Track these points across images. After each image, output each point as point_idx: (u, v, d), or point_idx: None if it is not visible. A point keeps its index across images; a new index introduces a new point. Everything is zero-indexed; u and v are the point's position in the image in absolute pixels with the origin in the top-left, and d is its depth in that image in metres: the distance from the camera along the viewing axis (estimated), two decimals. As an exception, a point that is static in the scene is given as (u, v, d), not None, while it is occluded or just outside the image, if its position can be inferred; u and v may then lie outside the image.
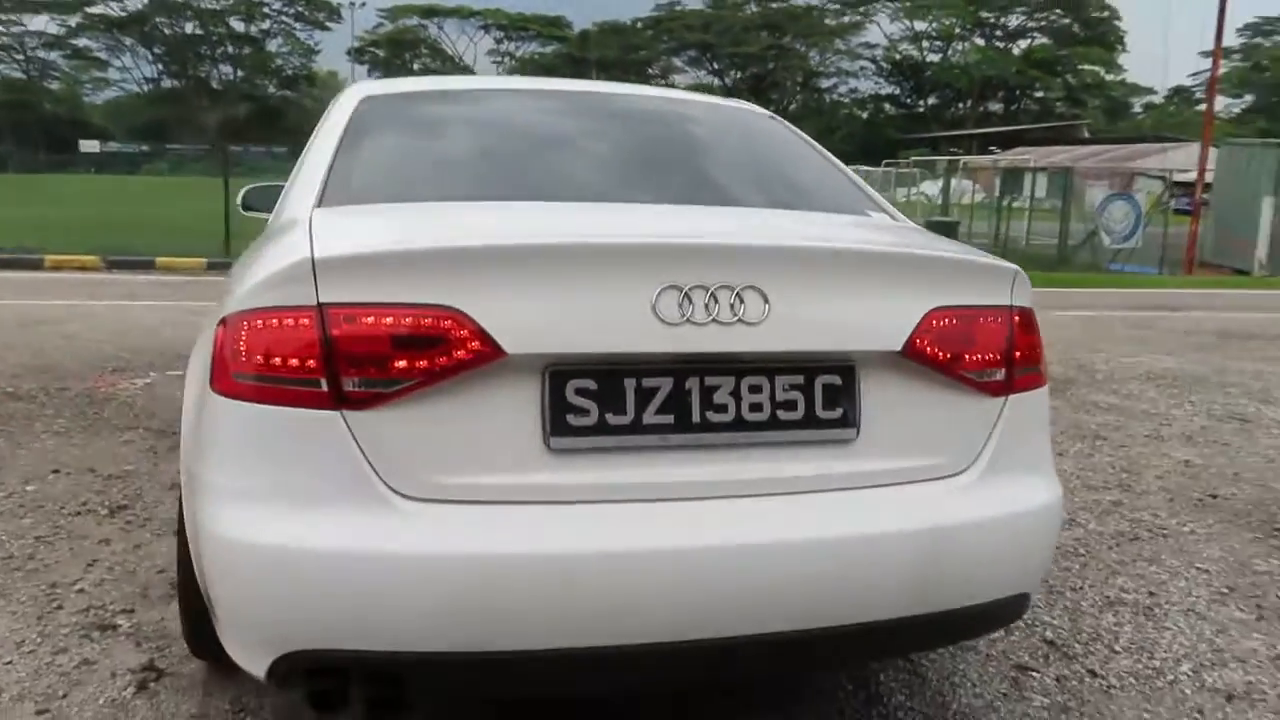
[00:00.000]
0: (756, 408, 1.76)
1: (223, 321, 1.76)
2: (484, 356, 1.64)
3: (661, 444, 1.72)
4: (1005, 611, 1.98)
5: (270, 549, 1.64)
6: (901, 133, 58.75)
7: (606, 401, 1.70)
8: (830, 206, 2.43)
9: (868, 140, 57.48)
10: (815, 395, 1.79)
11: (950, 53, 66.08)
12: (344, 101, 2.66)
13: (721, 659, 1.74)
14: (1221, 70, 73.02)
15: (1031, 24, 66.65)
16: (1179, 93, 74.39)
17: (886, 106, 67.30)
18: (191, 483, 1.84)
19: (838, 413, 1.80)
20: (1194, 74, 78.37)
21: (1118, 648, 2.71)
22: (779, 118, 3.03)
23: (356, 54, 67.60)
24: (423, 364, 1.64)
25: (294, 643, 1.66)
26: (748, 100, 3.39)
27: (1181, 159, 37.29)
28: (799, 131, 2.91)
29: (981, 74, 62.13)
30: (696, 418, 1.73)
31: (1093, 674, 2.56)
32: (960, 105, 66.61)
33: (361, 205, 2.08)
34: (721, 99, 3.15)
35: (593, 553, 1.64)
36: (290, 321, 1.66)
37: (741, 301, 1.71)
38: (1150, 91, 73.53)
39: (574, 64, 62.14)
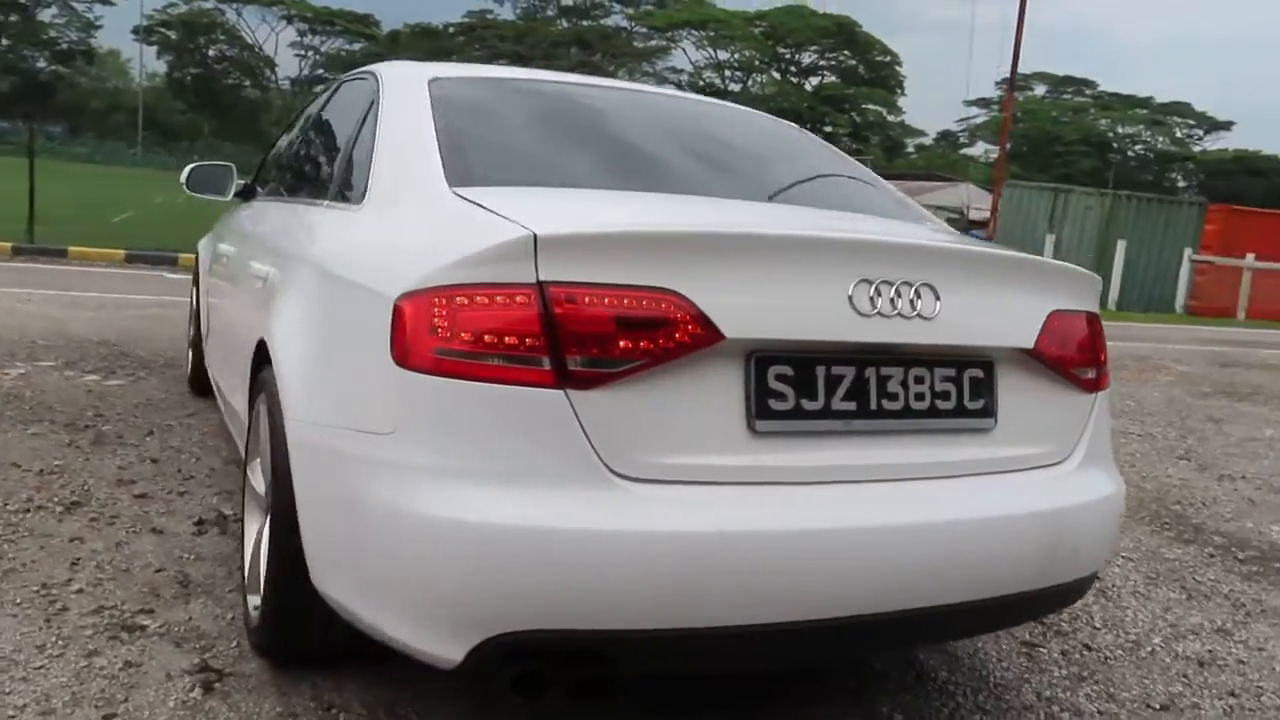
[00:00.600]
0: (920, 397, 1.91)
1: (408, 296, 1.72)
2: (703, 340, 1.70)
3: (846, 429, 1.83)
4: (1083, 587, 2.21)
5: (485, 528, 1.63)
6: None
7: (801, 387, 1.80)
8: (898, 214, 2.61)
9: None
10: (964, 387, 1.96)
11: (750, 83, 69.10)
12: (404, 80, 2.60)
13: (899, 631, 1.87)
14: (981, 120, 78.76)
15: (823, 63, 70.76)
16: (945, 136, 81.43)
17: (689, 131, 69.60)
18: (359, 461, 1.78)
19: (980, 403, 1.98)
20: (959, 120, 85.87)
21: (1097, 624, 3.04)
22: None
23: (145, 33, 62.83)
24: (647, 345, 1.67)
25: (504, 624, 1.65)
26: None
27: (953, 197, 40.85)
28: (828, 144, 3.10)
29: (778, 105, 65.32)
30: (874, 405, 1.86)
31: (1088, 648, 2.86)
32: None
33: (508, 187, 2.06)
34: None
35: (796, 531, 1.73)
36: (507, 299, 1.65)
37: (919, 297, 1.85)
38: (922, 134, 79.99)
39: (381, 64, 60.44)
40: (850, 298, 1.80)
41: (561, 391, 1.65)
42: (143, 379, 5.14)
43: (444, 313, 1.68)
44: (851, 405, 1.84)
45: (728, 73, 69.27)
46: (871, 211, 2.59)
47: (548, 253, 1.65)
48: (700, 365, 1.72)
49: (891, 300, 1.83)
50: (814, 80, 70.54)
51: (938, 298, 1.87)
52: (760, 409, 1.76)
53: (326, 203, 2.52)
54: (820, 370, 1.82)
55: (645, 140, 2.63)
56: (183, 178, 4.04)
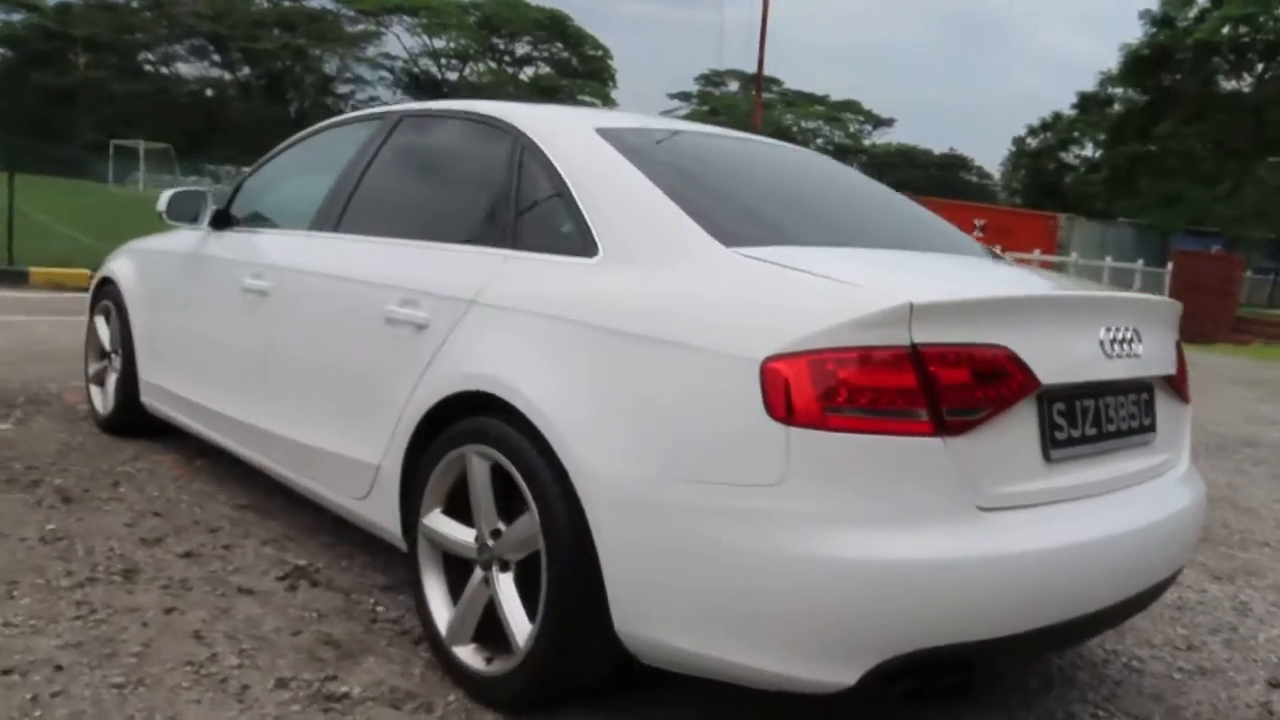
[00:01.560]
0: (1124, 419, 2.30)
1: (780, 358, 1.87)
2: (1028, 386, 1.99)
3: (1093, 451, 2.19)
4: (1175, 578, 2.69)
5: (883, 565, 1.83)
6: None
7: (1069, 419, 2.13)
8: (970, 250, 2.98)
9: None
10: (1142, 408, 2.37)
11: (466, 72, 68.50)
12: (570, 131, 2.67)
13: (1117, 615, 2.25)
14: (684, 112, 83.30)
15: (536, 53, 71.57)
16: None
17: (408, 119, 68.00)
18: (729, 513, 1.90)
19: (1150, 420, 2.40)
20: (664, 112, 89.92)
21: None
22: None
23: None
24: (993, 394, 1.94)
25: (895, 648, 1.85)
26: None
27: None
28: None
29: (493, 95, 65.42)
30: (1104, 428, 2.23)
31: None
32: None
33: (780, 247, 2.21)
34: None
35: (1097, 539, 2.07)
36: (888, 359, 1.86)
37: (1135, 339, 2.25)
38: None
39: (50, 39, 53.85)
40: (1101, 343, 2.16)
41: (939, 439, 1.87)
42: (29, 421, 4.56)
43: (829, 373, 1.84)
44: (1094, 430, 2.20)
45: (443, 60, 68.25)
46: (968, 249, 2.94)
47: (920, 318, 1.87)
48: (1017, 407, 2.01)
49: (1123, 343, 2.21)
50: (529, 71, 71.18)
51: (1140, 340, 2.28)
52: (1052, 440, 2.08)
53: (513, 252, 2.51)
54: (1078, 404, 2.16)
55: (813, 191, 2.85)
56: (162, 206, 3.71)
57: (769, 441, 1.87)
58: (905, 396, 1.86)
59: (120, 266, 4.37)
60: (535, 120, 2.74)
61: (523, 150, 2.66)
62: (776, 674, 1.91)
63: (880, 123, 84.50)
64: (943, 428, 1.88)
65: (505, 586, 2.31)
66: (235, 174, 41.98)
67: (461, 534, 2.45)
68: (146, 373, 4.09)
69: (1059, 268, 24.56)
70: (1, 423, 4.49)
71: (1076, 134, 48.13)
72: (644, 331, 2.09)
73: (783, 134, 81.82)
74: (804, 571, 1.85)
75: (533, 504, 2.20)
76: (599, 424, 2.10)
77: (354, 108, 67.62)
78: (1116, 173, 28.07)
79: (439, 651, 2.49)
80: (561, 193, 2.49)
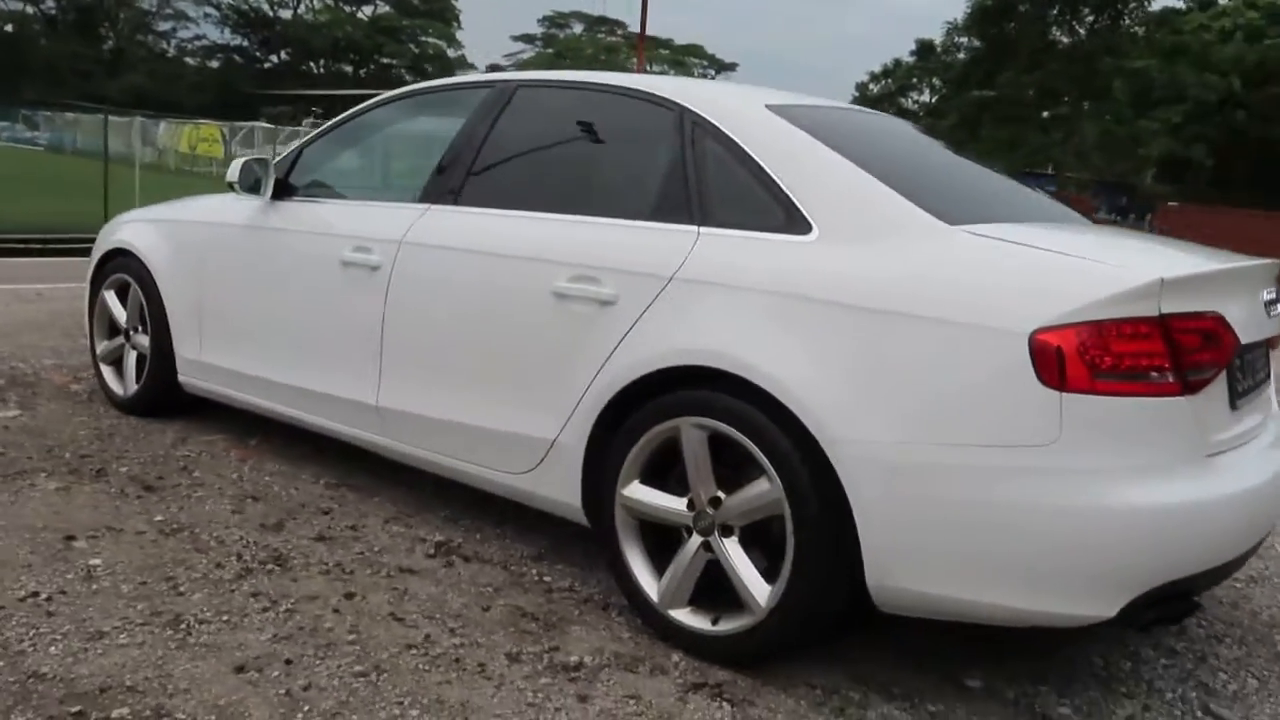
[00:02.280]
0: (1261, 369, 2.61)
1: (1049, 331, 2.06)
2: (1234, 347, 2.26)
3: (1249, 401, 2.49)
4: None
5: (1151, 510, 2.08)
6: (258, 87, 56.60)
7: (1242, 372, 2.42)
8: (1083, 219, 3.24)
9: (222, 93, 54.38)
10: (1260, 364, 2.68)
11: (301, 9, 64.95)
12: (744, 109, 2.76)
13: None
14: (528, 55, 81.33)
15: (375, -9, 68.55)
16: (494, 69, 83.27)
17: (236, 59, 63.82)
18: (1000, 471, 2.09)
19: (1265, 375, 2.73)
20: (507, 55, 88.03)
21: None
22: None
23: None
24: (1217, 355, 2.20)
25: (1150, 581, 2.11)
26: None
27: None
28: None
29: (333, 34, 62.36)
30: (1256, 379, 2.53)
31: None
32: (313, 64, 66.07)
33: (987, 224, 2.38)
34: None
35: (1267, 480, 2.36)
36: (1141, 329, 2.08)
37: (1276, 300, 2.55)
38: (474, 68, 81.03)
39: None
40: (1264, 305, 2.45)
41: (1184, 397, 2.11)
42: (33, 407, 4.27)
43: (1096, 343, 2.05)
44: (1251, 382, 2.50)
45: (274, -4, 64.42)
46: (1083, 219, 3.19)
47: (1168, 292, 2.09)
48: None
49: (1273, 304, 2.51)
50: (368, 9, 68.12)
51: (1277, 300, 2.58)
52: (1235, 391, 2.36)
53: (705, 228, 2.57)
54: (1245, 358, 2.44)
55: (949, 164, 3.00)
56: (234, 176, 3.55)
57: (1041, 406, 2.06)
58: (1156, 361, 2.09)
59: (141, 239, 4.12)
60: (704, 97, 2.79)
61: (694, 126, 2.72)
62: (1040, 611, 2.14)
63: (724, 67, 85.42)
64: (1186, 387, 2.12)
65: (734, 551, 2.43)
66: (54, 120, 38.55)
67: (670, 503, 2.54)
68: (188, 350, 3.91)
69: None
70: (2, 410, 4.19)
71: (915, 80, 50.25)
72: (893, 307, 2.23)
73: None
74: (1077, 520, 2.06)
75: (773, 471, 2.32)
76: (851, 395, 2.23)
77: (179, 47, 63.29)
78: (964, 119, 29.59)
79: (648, 615, 2.59)
80: (753, 170, 2.57)
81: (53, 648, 2.31)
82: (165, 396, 4.13)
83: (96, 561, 2.78)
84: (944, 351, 2.17)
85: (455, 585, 2.82)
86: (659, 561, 2.61)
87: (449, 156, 3.20)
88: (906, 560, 2.21)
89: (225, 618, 2.52)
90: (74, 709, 2.09)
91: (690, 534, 2.51)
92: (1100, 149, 27.74)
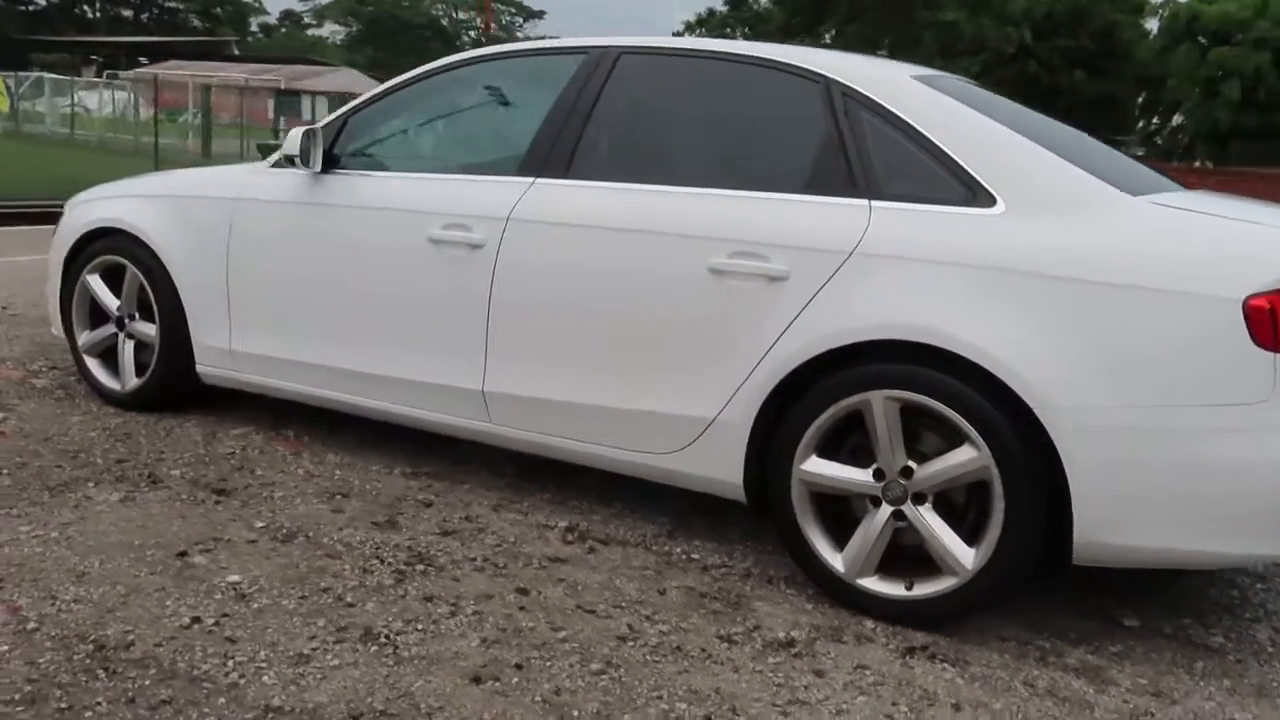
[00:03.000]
0: None
1: (1261, 296, 2.22)
2: None
3: None
4: None
5: None
6: (26, 33, 51.25)
7: None
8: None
9: (-13, 37, 48.94)
10: None
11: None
12: (899, 80, 2.79)
13: None
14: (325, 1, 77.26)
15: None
16: (289, 16, 78.74)
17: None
18: (1213, 429, 2.25)
19: None
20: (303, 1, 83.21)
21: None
22: None
23: None
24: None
25: None
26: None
27: (342, 82, 40.57)
28: None
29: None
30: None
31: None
32: (87, 8, 60.35)
33: (1161, 194, 2.53)
34: None
35: None
36: None
37: None
38: (264, 11, 76.09)
39: None
40: None
41: None
42: (10, 408, 3.82)
43: None
44: None
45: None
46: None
47: None
48: None
49: None
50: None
51: None
52: None
53: (877, 202, 2.58)
54: None
55: (1075, 135, 3.08)
56: (295, 148, 3.26)
57: (1256, 366, 2.23)
58: None
59: (140, 218, 3.72)
60: (847, 68, 2.79)
61: (844, 98, 2.72)
62: (1243, 554, 2.35)
63: (531, 15, 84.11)
64: None
65: (932, 518, 2.51)
66: None
67: (854, 474, 2.59)
68: (213, 338, 3.60)
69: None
70: (-16, 412, 3.73)
71: (729, 30, 51.06)
72: (1099, 278, 2.34)
73: (435, 25, 79.23)
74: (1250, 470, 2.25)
75: (980, 440, 2.40)
76: (1063, 363, 2.34)
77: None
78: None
79: (832, 587, 2.64)
80: (920, 143, 2.61)
81: (264, 677, 2.13)
82: (175, 390, 3.80)
83: (236, 578, 2.55)
84: (1152, 318, 2.30)
85: (615, 571, 2.77)
86: (835, 534, 2.65)
87: (549, 126, 3.06)
88: (1117, 516, 2.35)
89: (418, 627, 2.39)
90: (348, 742, 1.95)
91: (878, 504, 2.56)
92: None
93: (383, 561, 2.71)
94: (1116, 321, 2.33)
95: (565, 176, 3.00)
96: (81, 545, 2.67)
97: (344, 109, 3.49)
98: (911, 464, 2.52)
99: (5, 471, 3.14)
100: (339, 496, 3.16)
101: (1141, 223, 2.43)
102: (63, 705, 1.98)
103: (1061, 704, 2.28)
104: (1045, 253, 2.41)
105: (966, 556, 2.47)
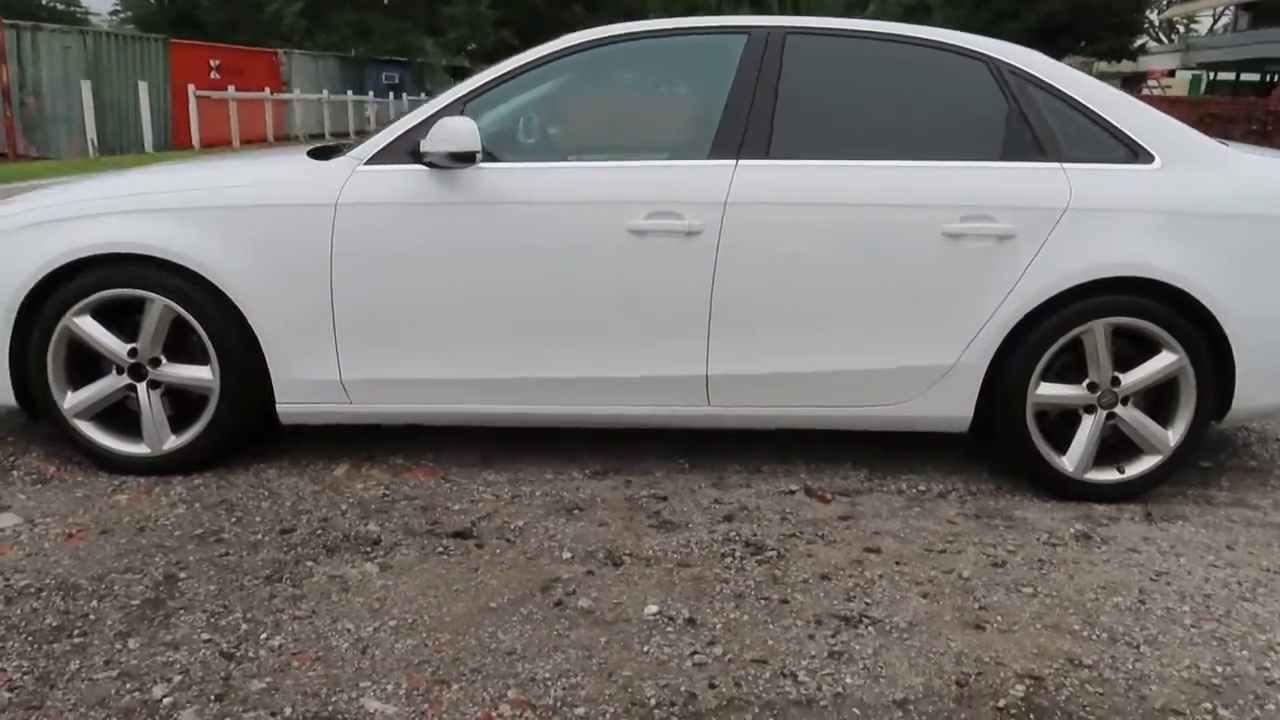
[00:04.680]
0: None
1: None
2: None
3: None
4: None
5: None
6: None
7: None
8: None
9: None
10: None
11: None
12: (1036, 56, 3.25)
13: None
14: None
15: None
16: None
17: None
18: None
19: None
20: None
21: None
22: None
23: None
24: None
25: None
26: None
27: None
28: None
29: None
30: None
31: None
32: None
33: (1230, 147, 3.33)
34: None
35: None
36: None
37: None
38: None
39: None
40: None
41: None
42: (44, 503, 2.93)
43: None
44: None
45: None
46: None
47: None
48: None
49: None
50: None
51: None
52: None
53: (1066, 164, 3.06)
54: None
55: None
56: (467, 144, 2.90)
57: None
58: None
59: (174, 235, 2.98)
60: (1004, 49, 3.21)
61: (1013, 75, 3.16)
62: None
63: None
64: None
65: (1137, 414, 3.16)
66: None
67: (1074, 391, 3.15)
68: (308, 370, 3.08)
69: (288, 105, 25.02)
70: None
71: None
72: (1248, 211, 3.10)
73: None
74: None
75: (1178, 345, 3.09)
76: (1232, 279, 3.07)
77: None
78: (313, 4, 28.59)
79: (1059, 484, 3.18)
80: (1084, 112, 3.15)
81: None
82: (236, 439, 3.19)
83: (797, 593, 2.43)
84: (1276, 237, 3.13)
85: (897, 516, 3.05)
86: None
87: (736, 107, 3.09)
88: (1266, 384, 3.17)
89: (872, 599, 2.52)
90: None
91: (1093, 411, 3.15)
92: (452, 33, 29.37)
93: (719, 559, 2.73)
94: (1256, 242, 3.12)
95: (767, 157, 3.08)
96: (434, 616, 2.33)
97: (458, 92, 3.12)
98: (1118, 374, 3.14)
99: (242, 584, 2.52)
100: (642, 513, 2.99)
101: (1243, 167, 3.24)
102: None
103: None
104: (1200, 196, 3.11)
105: (1169, 438, 3.17)
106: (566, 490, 3.15)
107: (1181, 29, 51.02)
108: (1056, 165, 3.13)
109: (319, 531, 2.81)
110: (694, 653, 2.26)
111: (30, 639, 2.24)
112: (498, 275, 3.06)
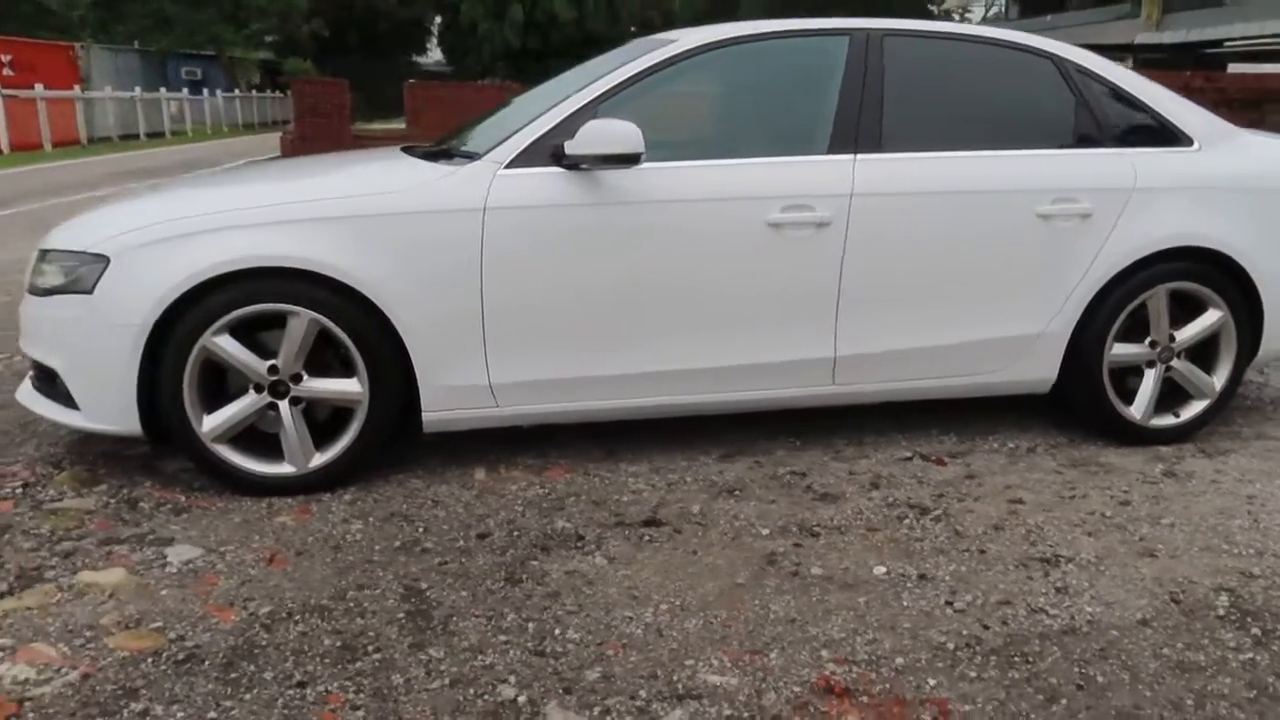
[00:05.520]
0: None
1: None
2: None
3: None
4: None
5: None
6: None
7: None
8: None
9: None
10: None
11: None
12: (1084, 51, 3.62)
13: None
14: None
15: None
16: None
17: None
18: None
19: None
20: None
21: None
22: None
23: None
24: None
25: None
26: None
27: None
28: None
29: None
30: None
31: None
32: None
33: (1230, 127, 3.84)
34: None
35: None
36: None
37: None
38: None
39: None
40: None
41: None
42: (216, 531, 2.79)
43: None
44: None
45: None
46: None
47: None
48: None
49: None
50: None
51: None
52: None
53: (1126, 149, 3.47)
54: None
55: None
56: (617, 144, 2.99)
57: None
58: None
59: (318, 245, 2.91)
60: (1061, 47, 3.59)
61: (1078, 72, 3.54)
62: None
63: None
64: None
65: (1188, 367, 3.62)
66: None
67: (1139, 349, 3.58)
68: (456, 375, 3.09)
69: (90, 104, 23.25)
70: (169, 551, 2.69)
71: None
72: (1262, 185, 3.60)
73: None
74: None
75: (1222, 303, 3.57)
76: (1259, 240, 3.55)
77: None
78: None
79: (1127, 430, 3.61)
80: (1135, 104, 3.58)
81: (1090, 611, 2.46)
82: (376, 452, 3.16)
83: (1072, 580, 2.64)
84: None
85: (1007, 471, 3.38)
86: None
87: (848, 105, 3.32)
88: (1283, 334, 3.72)
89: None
90: None
91: (1153, 366, 3.59)
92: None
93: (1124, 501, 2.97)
94: (1278, 209, 3.64)
95: (881, 150, 3.33)
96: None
97: (589, 95, 3.18)
98: (1173, 332, 3.59)
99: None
100: (804, 491, 3.15)
101: (1257, 146, 3.75)
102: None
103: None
104: (1233, 172, 3.60)
105: (1215, 384, 3.65)
106: (710, 475, 3.30)
107: (956, 18, 55.24)
108: (1118, 150, 3.54)
109: (515, 533, 2.85)
110: (947, 602, 2.50)
111: (325, 660, 2.21)
112: (644, 272, 3.17)
